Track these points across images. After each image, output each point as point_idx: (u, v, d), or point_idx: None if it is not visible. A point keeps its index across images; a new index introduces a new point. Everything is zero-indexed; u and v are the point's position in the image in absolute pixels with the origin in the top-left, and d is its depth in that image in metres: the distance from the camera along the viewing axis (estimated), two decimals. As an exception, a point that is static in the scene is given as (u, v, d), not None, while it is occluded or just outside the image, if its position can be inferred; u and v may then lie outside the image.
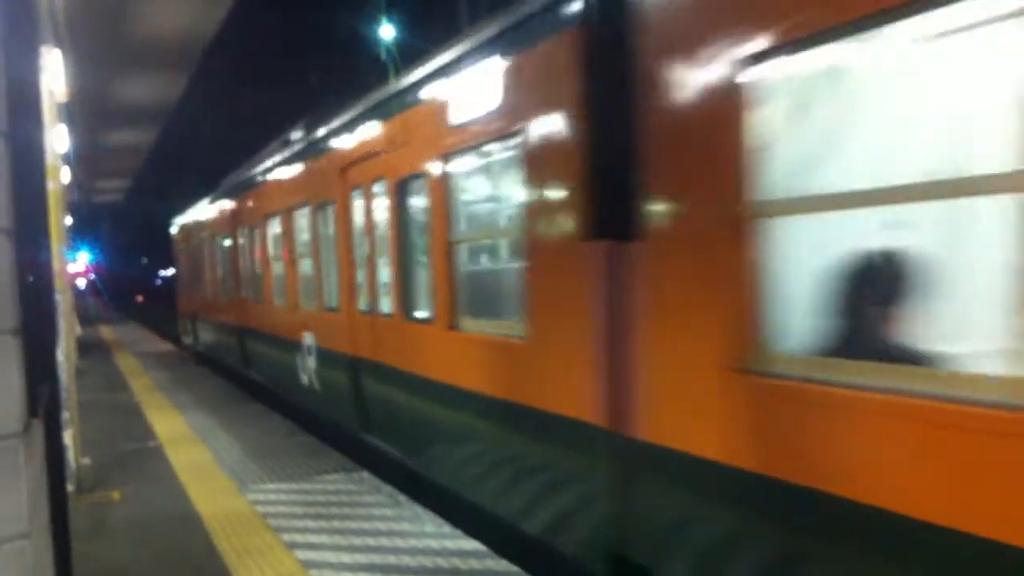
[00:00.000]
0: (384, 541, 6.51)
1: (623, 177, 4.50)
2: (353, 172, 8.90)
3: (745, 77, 3.69)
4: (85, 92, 13.27)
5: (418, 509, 7.30)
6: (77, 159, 18.80)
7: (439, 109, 6.69)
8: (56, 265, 6.81)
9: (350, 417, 9.31)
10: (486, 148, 6.29)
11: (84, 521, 7.41)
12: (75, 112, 13.71)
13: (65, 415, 7.14)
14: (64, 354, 7.63)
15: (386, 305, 8.31)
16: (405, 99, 7.45)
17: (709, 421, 4.04)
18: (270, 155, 13.14)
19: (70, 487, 7.79)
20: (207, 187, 19.76)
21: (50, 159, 6.86)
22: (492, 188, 6.87)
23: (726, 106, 3.79)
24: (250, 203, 14.40)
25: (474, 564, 5.93)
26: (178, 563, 6.40)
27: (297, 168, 11.25)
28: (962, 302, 3.33)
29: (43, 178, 4.97)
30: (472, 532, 6.59)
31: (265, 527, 7.04)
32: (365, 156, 8.50)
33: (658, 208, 4.32)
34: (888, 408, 3.14)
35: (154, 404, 14.08)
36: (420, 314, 7.47)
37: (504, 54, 5.75)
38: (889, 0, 2.98)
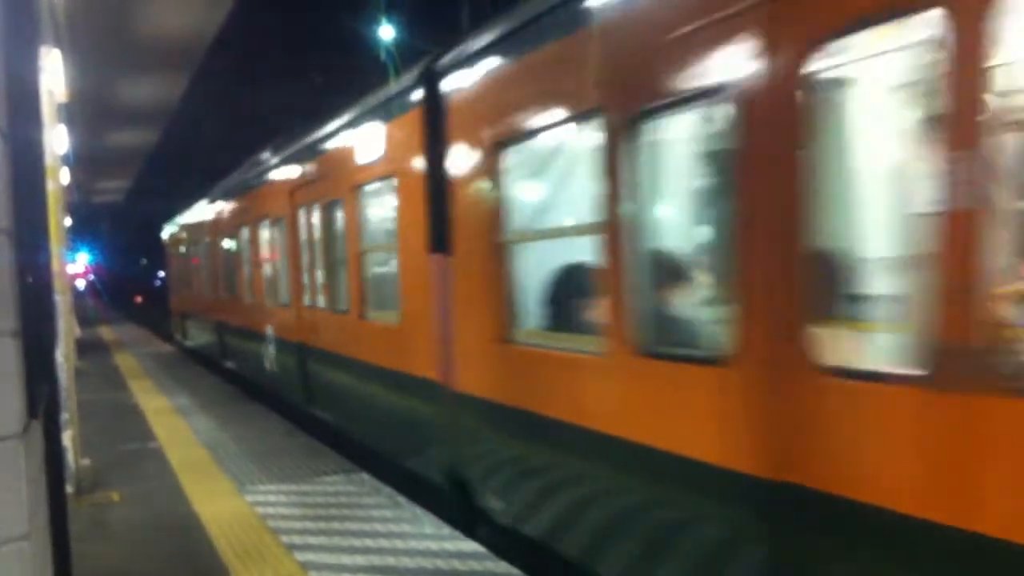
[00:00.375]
0: (383, 543, 6.51)
1: (444, 210, 6.79)
2: (297, 194, 11.36)
3: (497, 154, 6.00)
4: (85, 92, 13.25)
5: (417, 511, 7.30)
6: (77, 160, 18.78)
7: (349, 151, 9.15)
8: (55, 266, 6.80)
9: (298, 394, 11.55)
10: (377, 184, 8.60)
11: (84, 522, 7.42)
12: (75, 112, 13.70)
13: (64, 416, 7.14)
14: (63, 355, 7.63)
15: (322, 301, 10.63)
16: (329, 140, 9.87)
17: (488, 374, 6.33)
18: (242, 174, 15.39)
19: (69, 488, 7.79)
20: (197, 195, 20.93)
21: (50, 160, 6.86)
22: (382, 213, 8.85)
23: (487, 172, 6.11)
24: (225, 215, 16.94)
25: (473, 566, 5.93)
26: (177, 564, 6.41)
27: (260, 187, 13.65)
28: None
29: (43, 179, 4.96)
30: (471, 533, 6.60)
31: (264, 528, 7.04)
32: (305, 182, 11.02)
33: (458, 234, 6.62)
34: (568, 360, 5.38)
35: (153, 404, 14.08)
36: (342, 307, 9.75)
37: (383, 119, 8.15)
38: (549, 121, 5.46)
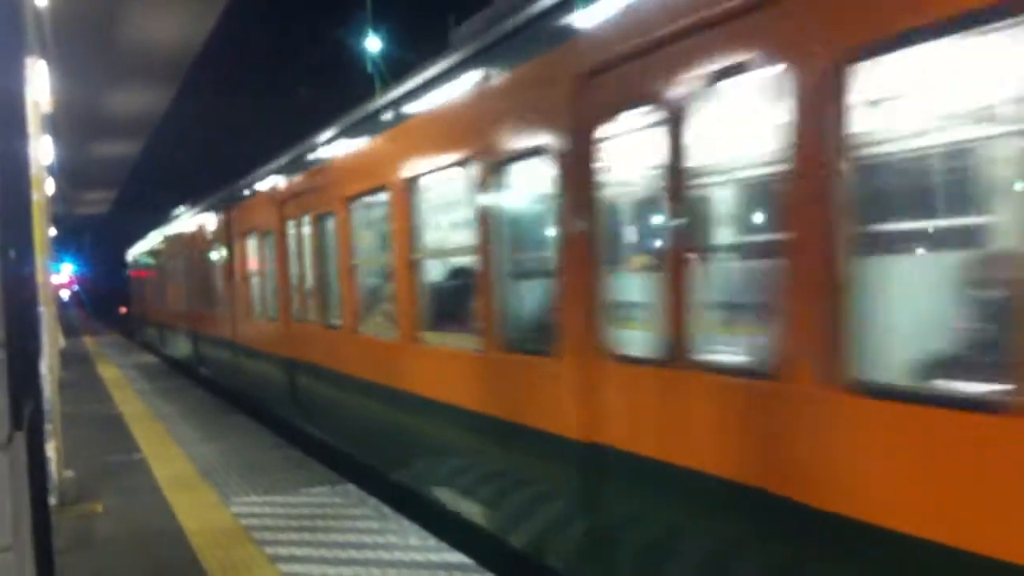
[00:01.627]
0: (369, 554, 6.49)
1: (232, 259, 15.01)
2: (191, 243, 19.09)
3: (242, 238, 14.27)
4: (70, 103, 13.26)
5: (404, 522, 7.28)
6: (62, 170, 18.73)
7: (209, 223, 16.99)
8: (40, 277, 6.78)
9: (193, 361, 19.63)
10: (217, 243, 16.09)
11: (67, 533, 7.36)
12: (60, 123, 13.69)
13: (48, 427, 7.11)
14: (47, 366, 7.59)
15: (202, 304, 17.96)
16: (203, 213, 17.63)
17: (250, 335, 13.86)
18: (163, 226, 23.29)
19: (53, 500, 7.74)
20: (143, 233, 27.69)
21: (34, 170, 6.85)
22: (221, 258, 15.92)
23: (240, 245, 14.36)
24: (160, 247, 24.77)
25: (459, 577, 5.93)
26: (161, 576, 6.37)
27: (175, 235, 21.61)
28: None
29: (27, 190, 4.96)
30: (457, 545, 6.60)
31: (249, 540, 7.01)
32: (191, 236, 18.95)
33: (236, 271, 14.68)
34: (266, 325, 12.97)
35: (137, 416, 14.01)
36: (207, 308, 17.35)
37: (218, 211, 16.11)
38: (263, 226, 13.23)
